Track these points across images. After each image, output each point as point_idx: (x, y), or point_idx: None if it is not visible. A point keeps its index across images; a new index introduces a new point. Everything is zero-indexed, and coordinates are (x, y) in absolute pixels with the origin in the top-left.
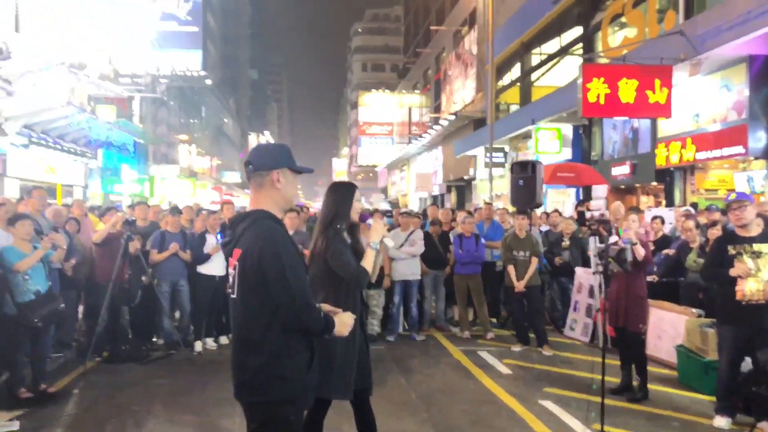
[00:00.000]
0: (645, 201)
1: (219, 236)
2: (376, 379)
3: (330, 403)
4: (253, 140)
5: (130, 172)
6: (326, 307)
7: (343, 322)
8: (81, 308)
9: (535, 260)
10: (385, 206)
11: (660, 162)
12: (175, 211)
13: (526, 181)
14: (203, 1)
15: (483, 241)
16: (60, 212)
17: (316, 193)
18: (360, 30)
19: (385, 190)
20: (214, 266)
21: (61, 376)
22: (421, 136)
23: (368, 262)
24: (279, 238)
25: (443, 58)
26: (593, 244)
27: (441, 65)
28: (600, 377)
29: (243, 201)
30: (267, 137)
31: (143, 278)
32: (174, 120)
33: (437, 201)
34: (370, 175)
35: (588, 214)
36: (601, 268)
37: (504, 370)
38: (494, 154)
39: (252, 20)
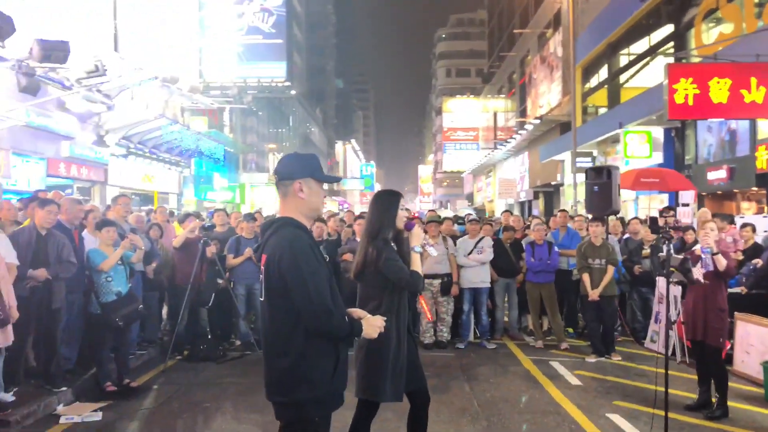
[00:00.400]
0: (746, 207)
1: None
2: (440, 385)
3: (378, 406)
4: (339, 148)
5: (221, 180)
6: (356, 311)
7: (372, 324)
8: (165, 309)
9: (611, 269)
10: (468, 212)
11: (761, 165)
12: (249, 217)
13: (602, 187)
14: (289, 14)
15: (556, 248)
16: (141, 218)
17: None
18: (444, 36)
19: (470, 197)
20: None
21: (144, 371)
22: (506, 142)
23: (417, 266)
24: (299, 244)
25: (528, 62)
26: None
27: (526, 68)
28: (663, 389)
29: (329, 207)
30: (353, 145)
31: (220, 281)
32: (263, 129)
33: (524, 207)
34: (456, 181)
35: (661, 221)
36: (674, 279)
37: (574, 381)
38: (581, 159)
39: (337, 30)
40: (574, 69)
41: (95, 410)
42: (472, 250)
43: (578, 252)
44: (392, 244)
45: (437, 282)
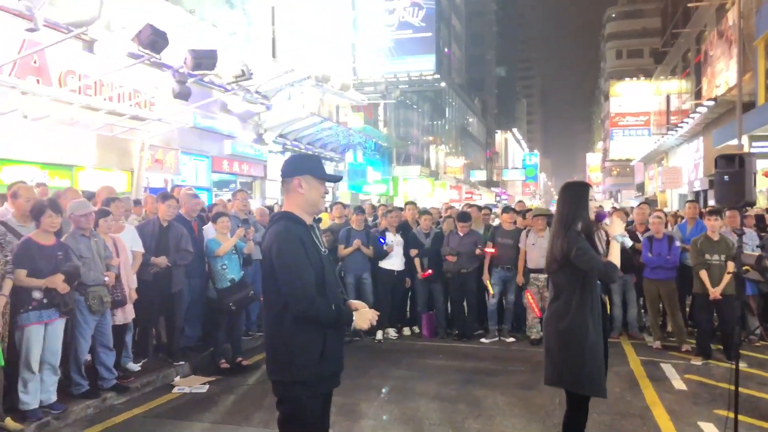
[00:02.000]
0: None
1: (398, 234)
2: (530, 381)
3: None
4: (500, 138)
5: (374, 173)
6: (354, 303)
7: (364, 317)
8: None
9: (731, 265)
10: (633, 204)
11: None
12: (359, 210)
13: (733, 177)
14: (439, 6)
15: (678, 243)
16: (265, 211)
17: None
18: (614, 15)
19: (641, 186)
20: (393, 262)
21: (259, 352)
22: (677, 127)
23: (615, 256)
24: (289, 235)
25: (704, 38)
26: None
27: (702, 46)
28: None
29: (486, 199)
30: (514, 134)
31: None
32: (419, 122)
33: (699, 198)
34: (627, 170)
35: None
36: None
37: (679, 385)
38: (759, 144)
39: (498, 18)
40: (740, 42)
41: (204, 383)
42: None
43: (693, 247)
44: (582, 235)
45: (543, 277)
